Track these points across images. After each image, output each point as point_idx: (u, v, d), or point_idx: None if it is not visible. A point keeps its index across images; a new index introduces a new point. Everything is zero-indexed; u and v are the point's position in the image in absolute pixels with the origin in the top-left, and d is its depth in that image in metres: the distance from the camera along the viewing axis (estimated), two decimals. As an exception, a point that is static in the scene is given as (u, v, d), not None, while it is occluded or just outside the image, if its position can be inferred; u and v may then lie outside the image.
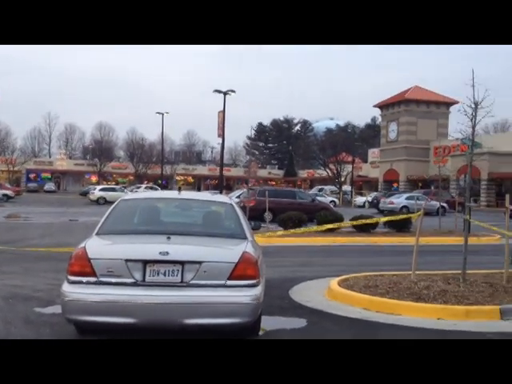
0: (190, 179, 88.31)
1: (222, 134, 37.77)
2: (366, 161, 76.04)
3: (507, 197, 9.10)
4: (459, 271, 8.16)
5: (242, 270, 4.82)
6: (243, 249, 5.02)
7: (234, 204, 6.15)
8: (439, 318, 6.51)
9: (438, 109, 60.80)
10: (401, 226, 17.63)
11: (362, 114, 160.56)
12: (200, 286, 4.74)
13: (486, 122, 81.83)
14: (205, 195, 7.81)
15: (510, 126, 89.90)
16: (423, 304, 6.82)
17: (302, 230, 12.51)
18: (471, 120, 7.99)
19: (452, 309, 6.66)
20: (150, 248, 4.97)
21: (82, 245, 5.03)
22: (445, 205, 32.14)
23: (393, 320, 6.45)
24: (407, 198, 33.44)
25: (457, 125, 8.88)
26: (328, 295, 7.82)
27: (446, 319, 6.48)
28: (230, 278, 4.78)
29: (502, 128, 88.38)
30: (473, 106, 7.87)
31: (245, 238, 5.45)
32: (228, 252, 5.04)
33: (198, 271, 4.76)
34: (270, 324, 5.97)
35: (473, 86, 7.74)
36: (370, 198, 43.76)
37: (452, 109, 59.02)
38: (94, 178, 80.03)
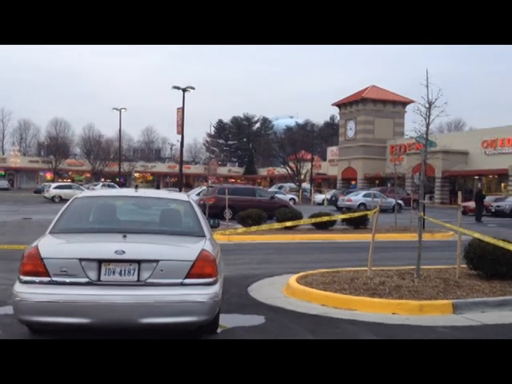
0: (149, 177, 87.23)
1: (181, 131, 37.42)
2: (325, 159, 76.96)
3: (459, 194, 9.38)
4: (414, 267, 8.37)
5: (200, 269, 4.79)
6: (201, 247, 4.99)
7: (192, 202, 6.10)
8: (394, 313, 6.65)
9: (395, 108, 62.12)
10: (358, 223, 17.94)
11: (321, 113, 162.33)
12: (157, 284, 4.69)
13: (440, 121, 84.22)
14: (162, 193, 7.74)
15: (463, 125, 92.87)
16: (379, 299, 6.96)
17: (262, 227, 12.52)
18: (425, 119, 8.19)
19: (406, 303, 6.82)
20: (105, 247, 4.87)
21: (35, 244, 4.89)
22: (401, 202, 32.92)
23: (349, 315, 6.55)
24: (364, 196, 34.00)
25: (412, 124, 9.10)
26: (286, 292, 7.87)
27: (400, 314, 6.63)
28: (187, 277, 4.74)
29: (456, 127, 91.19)
30: (427, 105, 8.07)
31: (203, 235, 5.41)
32: (185, 250, 5.00)
33: (154, 270, 4.70)
34: (228, 322, 5.97)
35: (427, 86, 7.94)
36: (328, 196, 44.21)
37: (408, 108, 60.47)
38: (49, 176, 77.85)
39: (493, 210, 31.98)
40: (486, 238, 7.01)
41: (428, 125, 8.27)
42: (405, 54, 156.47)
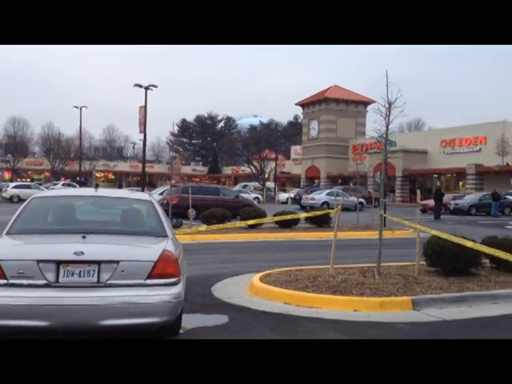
0: (111, 176, 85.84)
1: (143, 130, 36.98)
2: (288, 158, 77.49)
3: (418, 193, 9.59)
4: (375, 264, 8.51)
5: (162, 269, 4.74)
6: (163, 247, 4.94)
7: (154, 201, 6.03)
8: (356, 310, 6.75)
9: (357, 108, 63.08)
10: (321, 222, 18.11)
11: (284, 112, 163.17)
12: (117, 285, 4.62)
13: (400, 121, 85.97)
14: (123, 192, 7.62)
15: (422, 125, 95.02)
16: (341, 297, 7.05)
17: (225, 225, 12.51)
18: (385, 119, 8.34)
19: (367, 300, 6.93)
20: (63, 248, 4.77)
21: (-10, 245, 4.74)
22: (362, 200, 33.42)
23: (312, 313, 6.61)
24: (327, 194, 34.40)
25: (373, 123, 9.24)
26: (250, 291, 7.88)
27: (361, 311, 6.73)
28: (149, 277, 4.69)
29: (416, 127, 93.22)
30: (387, 105, 8.21)
31: (165, 235, 5.36)
32: (147, 250, 4.94)
33: (115, 271, 4.63)
34: (191, 322, 5.93)
35: (387, 86, 8.08)
36: (292, 195, 44.59)
37: (369, 108, 61.46)
38: (7, 175, 75.63)
39: (451, 208, 32.85)
40: (444, 236, 7.19)
41: (388, 125, 8.41)
42: (367, 54, 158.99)
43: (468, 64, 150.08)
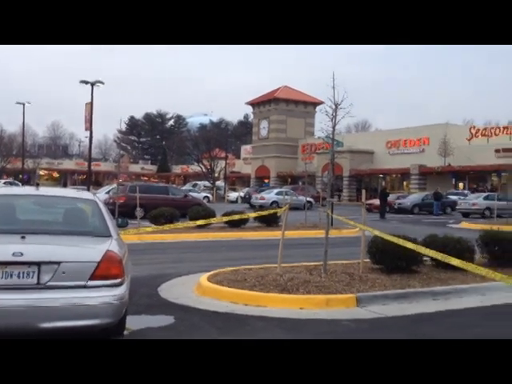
0: (56, 174, 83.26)
1: (89, 127, 36.06)
2: (239, 157, 77.59)
3: (363, 192, 9.82)
4: (321, 262, 8.64)
5: (105, 270, 4.64)
6: (106, 247, 4.83)
7: (98, 200, 5.90)
8: (302, 308, 6.85)
9: (306, 108, 63.90)
10: (270, 221, 18.22)
11: (235, 111, 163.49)
12: (58, 287, 4.49)
13: (348, 122, 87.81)
14: (66, 191, 7.40)
15: (369, 126, 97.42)
16: (287, 295, 7.13)
17: (174, 226, 12.38)
18: (331, 120, 8.48)
19: (313, 298, 7.04)
20: (1, 248, 4.59)
21: None
22: (311, 200, 33.90)
23: (259, 312, 6.65)
24: (277, 194, 34.67)
25: (322, 124, 9.37)
26: (197, 291, 7.84)
27: (308, 308, 6.83)
28: (91, 278, 4.58)
29: (363, 128, 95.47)
30: (333, 106, 8.36)
31: (109, 235, 5.25)
32: (89, 251, 4.82)
33: (56, 272, 4.50)
34: (136, 323, 5.84)
35: (333, 87, 8.21)
36: (242, 194, 44.69)
37: (318, 108, 62.37)
38: None
39: (396, 207, 33.82)
40: (385, 236, 7.38)
41: (334, 125, 8.56)
42: (316, 55, 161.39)
43: (417, 65, 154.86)
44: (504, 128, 45.46)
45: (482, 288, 8.17)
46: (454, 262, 5.86)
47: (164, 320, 6.24)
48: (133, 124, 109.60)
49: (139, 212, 17.54)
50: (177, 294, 7.67)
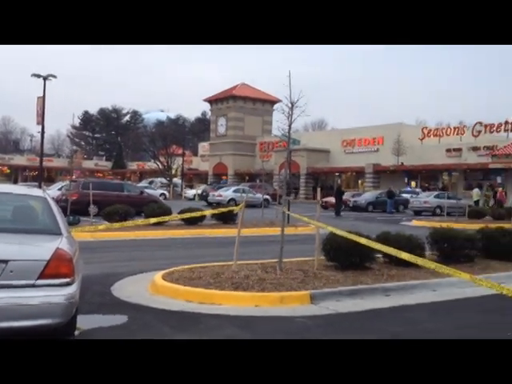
0: (6, 170, 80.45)
1: (41, 121, 34.98)
2: (196, 154, 77.11)
3: (318, 191, 9.95)
4: (277, 260, 8.69)
5: (55, 268, 4.51)
6: (56, 245, 4.70)
7: (48, 197, 5.72)
8: (257, 305, 6.86)
9: (263, 106, 64.12)
10: (227, 218, 18.20)
11: (192, 108, 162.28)
12: (6, 286, 4.34)
13: (305, 121, 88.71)
14: (15, 188, 7.15)
15: (326, 125, 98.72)
16: (242, 293, 7.13)
17: (128, 223, 12.15)
18: (288, 118, 8.53)
19: (268, 296, 7.07)
20: None
21: None
22: (268, 197, 34.05)
23: (214, 310, 6.62)
24: (234, 191, 34.68)
25: (279, 122, 9.43)
26: (152, 289, 7.74)
27: (262, 306, 6.85)
28: (40, 277, 4.45)
29: (320, 126, 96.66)
30: (289, 105, 8.40)
31: (59, 233, 5.10)
32: (39, 249, 4.67)
33: (3, 271, 4.34)
34: (87, 323, 5.71)
35: (289, 86, 8.25)
36: (199, 191, 44.40)
37: (276, 107, 62.74)
38: None
39: (351, 205, 34.43)
40: (339, 232, 7.47)
41: (290, 124, 8.61)
42: (276, 54, 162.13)
43: (374, 66, 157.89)
44: (455, 129, 46.93)
45: (432, 284, 8.40)
46: (404, 255, 6.03)
47: (116, 319, 6.12)
48: (87, 119, 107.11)
49: (93, 209, 17.17)
50: (130, 293, 7.54)
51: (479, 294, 7.93)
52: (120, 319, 6.12)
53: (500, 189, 34.50)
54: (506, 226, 12.60)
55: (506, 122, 42.03)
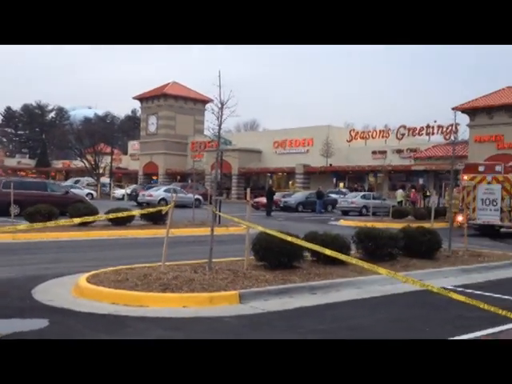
0: None
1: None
2: (126, 153, 75.33)
3: (248, 191, 10.00)
4: (207, 260, 8.65)
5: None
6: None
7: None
8: (185, 306, 6.79)
9: (195, 105, 63.65)
10: (156, 219, 17.90)
11: (122, 105, 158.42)
12: None
13: (237, 121, 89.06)
14: None
15: (257, 126, 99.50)
16: (170, 294, 7.03)
17: (51, 223, 11.64)
18: (218, 118, 8.51)
19: (197, 296, 7.02)
20: None
21: None
22: (200, 197, 33.87)
23: (140, 312, 6.49)
24: (165, 191, 34.20)
25: (209, 122, 9.37)
26: (76, 292, 7.47)
27: (191, 307, 6.80)
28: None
29: (252, 127, 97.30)
30: (219, 105, 8.39)
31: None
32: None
33: None
34: (6, 328, 5.44)
35: (219, 86, 8.24)
36: (129, 191, 43.42)
37: (208, 106, 62.51)
38: None
39: (281, 205, 34.91)
40: (268, 231, 7.52)
41: (220, 124, 8.60)
42: (208, 53, 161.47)
43: (308, 68, 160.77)
44: (380, 132, 48.73)
45: (357, 282, 8.68)
46: (328, 252, 6.20)
47: (37, 323, 5.86)
48: (9, 115, 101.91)
49: (14, 209, 16.36)
50: (53, 296, 7.25)
51: (401, 291, 8.31)
52: (41, 323, 5.86)
53: (413, 190, 36.09)
54: (426, 225, 13.24)
55: (428, 126, 44.18)
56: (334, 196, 37.65)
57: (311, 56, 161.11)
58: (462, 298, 4.51)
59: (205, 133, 57.70)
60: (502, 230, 20.07)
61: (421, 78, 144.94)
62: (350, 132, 50.48)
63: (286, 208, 34.67)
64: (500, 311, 4.53)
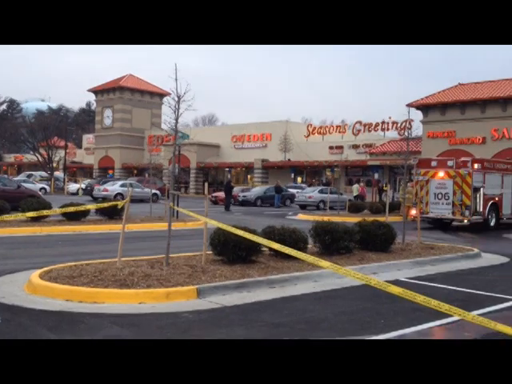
0: None
1: None
2: (80, 146, 73.61)
3: (206, 185, 9.94)
4: (164, 255, 8.56)
5: None
6: None
7: None
8: (141, 302, 6.69)
9: (152, 99, 62.79)
10: (112, 214, 17.57)
11: (76, 98, 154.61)
12: None
13: (196, 115, 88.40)
14: None
15: (216, 120, 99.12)
16: (126, 290, 6.92)
17: (2, 218, 11.28)
18: (174, 112, 8.41)
19: (153, 292, 6.93)
20: None
21: None
22: (157, 192, 33.50)
23: (95, 309, 6.36)
24: (121, 186, 33.64)
25: (166, 116, 9.25)
26: (28, 289, 7.26)
27: (148, 302, 6.70)
28: None
29: (210, 121, 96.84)
30: (176, 98, 8.29)
31: None
32: None
33: None
34: (-49, 328, 5.21)
35: (176, 79, 8.14)
36: (84, 185, 42.49)
37: (165, 100, 61.69)
38: None
39: (240, 200, 34.93)
40: (222, 226, 7.44)
41: (177, 118, 8.51)
42: (169, 49, 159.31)
43: (267, 64, 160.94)
44: (337, 127, 49.39)
45: (314, 275, 8.77)
46: (275, 245, 6.24)
47: (-14, 322, 5.66)
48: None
49: (-39, 205, 15.72)
50: (4, 293, 7.02)
51: (357, 283, 8.43)
52: (-10, 322, 5.66)
53: (361, 184, 36.70)
54: (381, 219, 13.51)
55: (383, 122, 45.07)
56: (292, 190, 37.95)
57: (273, 53, 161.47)
58: (398, 290, 4.58)
59: (162, 126, 57.06)
60: (454, 223, 20.73)
61: (376, 75, 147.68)
62: (308, 127, 50.94)
63: (245, 202, 34.72)
64: (433, 305, 4.49)
